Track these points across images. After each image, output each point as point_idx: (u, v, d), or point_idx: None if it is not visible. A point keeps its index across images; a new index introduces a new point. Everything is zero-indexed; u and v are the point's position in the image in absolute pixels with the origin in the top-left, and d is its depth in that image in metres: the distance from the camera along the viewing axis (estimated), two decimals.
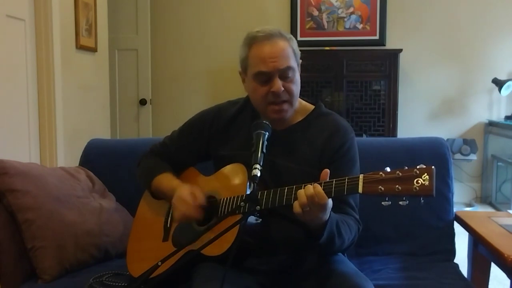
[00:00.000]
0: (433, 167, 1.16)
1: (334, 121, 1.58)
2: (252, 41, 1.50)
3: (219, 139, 1.64)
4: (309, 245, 1.55)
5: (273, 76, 1.48)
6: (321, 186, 1.25)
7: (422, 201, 1.15)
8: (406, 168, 1.18)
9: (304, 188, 1.27)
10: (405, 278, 1.71)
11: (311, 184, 1.26)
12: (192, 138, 1.68)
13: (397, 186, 1.17)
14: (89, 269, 1.75)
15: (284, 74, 1.48)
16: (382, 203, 1.19)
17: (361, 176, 1.23)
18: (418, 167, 1.17)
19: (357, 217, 1.51)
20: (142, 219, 1.73)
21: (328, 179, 1.28)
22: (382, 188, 1.18)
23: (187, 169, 1.70)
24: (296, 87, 1.52)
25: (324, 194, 1.24)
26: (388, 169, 1.20)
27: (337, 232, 1.38)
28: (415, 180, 1.16)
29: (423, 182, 1.15)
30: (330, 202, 1.27)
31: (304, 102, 1.63)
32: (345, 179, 1.25)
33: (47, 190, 1.77)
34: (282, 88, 1.48)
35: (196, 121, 1.70)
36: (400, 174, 1.18)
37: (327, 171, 1.29)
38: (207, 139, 1.66)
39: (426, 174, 1.15)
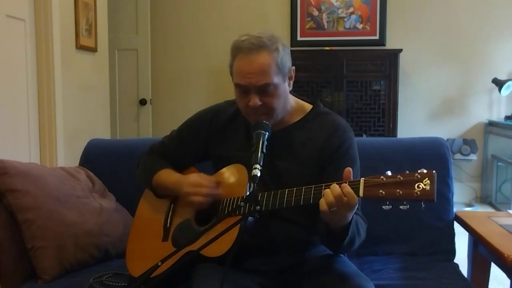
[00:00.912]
0: (434, 171, 1.16)
1: (332, 121, 1.57)
2: (236, 51, 1.47)
3: (217, 139, 1.64)
4: (310, 245, 1.56)
5: (250, 91, 1.45)
6: (348, 186, 1.23)
7: (423, 205, 1.15)
8: (407, 172, 1.18)
9: (330, 188, 1.25)
10: (405, 278, 1.71)
11: (338, 184, 1.24)
12: (191, 138, 1.68)
13: (398, 190, 1.17)
14: (89, 269, 1.75)
15: (261, 90, 1.45)
16: (383, 207, 1.19)
17: (362, 179, 1.22)
18: (419, 171, 1.16)
19: (361, 215, 1.51)
20: (142, 218, 1.73)
21: (352, 178, 1.26)
22: (383, 192, 1.18)
23: (187, 169, 1.69)
24: (278, 101, 1.47)
25: (354, 194, 1.22)
26: (389, 172, 1.20)
27: (357, 231, 1.39)
28: (416, 185, 1.15)
29: (424, 187, 1.15)
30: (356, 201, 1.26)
31: (302, 102, 1.62)
32: (346, 183, 1.24)
33: (47, 190, 1.77)
34: (259, 103, 1.45)
35: (195, 121, 1.70)
36: (401, 178, 1.17)
37: (349, 169, 1.27)
38: (206, 139, 1.65)
39: (427, 178, 1.15)
